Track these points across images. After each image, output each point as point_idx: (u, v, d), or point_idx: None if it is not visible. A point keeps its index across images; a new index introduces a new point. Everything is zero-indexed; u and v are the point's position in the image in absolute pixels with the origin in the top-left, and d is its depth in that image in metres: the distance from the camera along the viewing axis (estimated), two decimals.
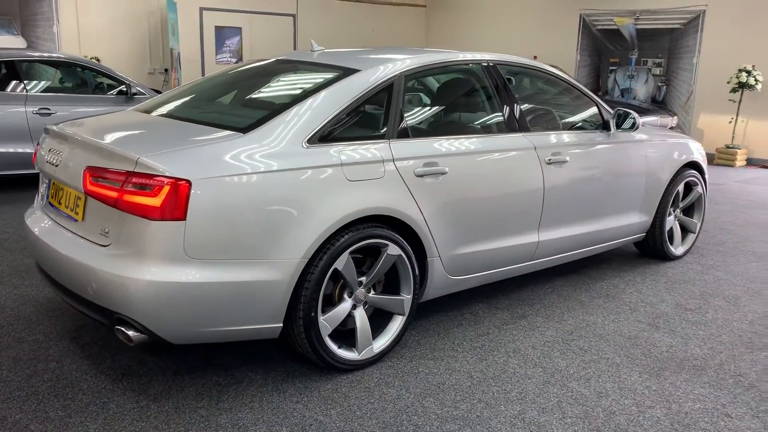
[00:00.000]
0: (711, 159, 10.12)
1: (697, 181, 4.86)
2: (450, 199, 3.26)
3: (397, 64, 3.29)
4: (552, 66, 10.63)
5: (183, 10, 10.39)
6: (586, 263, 4.71)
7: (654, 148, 4.49)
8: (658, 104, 10.86)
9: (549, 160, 3.71)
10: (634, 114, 4.18)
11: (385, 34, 13.50)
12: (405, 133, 3.19)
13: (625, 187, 4.27)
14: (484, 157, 3.44)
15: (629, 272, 4.58)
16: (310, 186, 2.77)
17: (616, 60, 11.51)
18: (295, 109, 2.92)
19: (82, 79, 7.30)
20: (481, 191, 3.40)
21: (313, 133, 2.87)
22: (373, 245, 3.00)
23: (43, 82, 6.89)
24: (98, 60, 9.49)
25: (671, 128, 9.42)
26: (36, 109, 6.53)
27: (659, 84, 11.03)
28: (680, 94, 10.80)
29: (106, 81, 7.24)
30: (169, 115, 3.24)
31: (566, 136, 3.93)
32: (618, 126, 4.21)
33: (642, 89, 11.23)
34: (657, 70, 11.04)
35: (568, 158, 3.81)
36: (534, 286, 4.21)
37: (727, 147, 9.96)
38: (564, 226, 3.91)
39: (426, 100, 3.84)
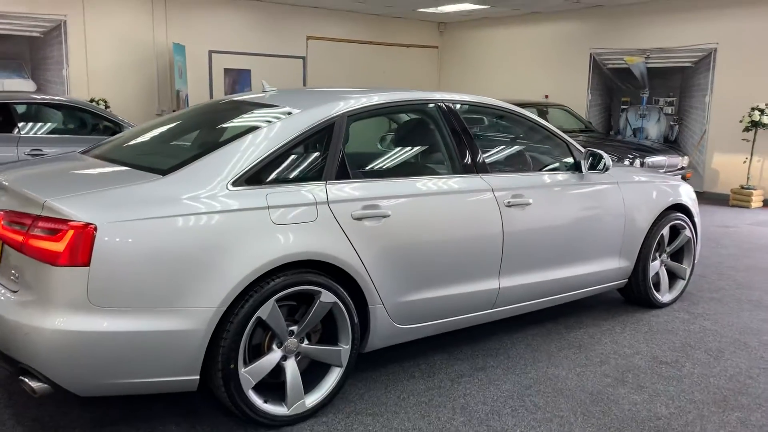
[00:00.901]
0: (726, 200, 9.78)
1: (685, 225, 4.62)
2: (394, 244, 3.11)
3: (340, 104, 3.18)
4: (561, 106, 10.56)
5: (191, 53, 10.56)
6: (565, 310, 4.47)
7: (633, 190, 4.28)
8: (671, 144, 10.58)
9: (509, 202, 3.53)
10: (605, 155, 3.99)
11: (397, 76, 13.54)
12: (345, 175, 3.07)
13: (600, 231, 4.06)
14: (433, 200, 3.29)
15: (609, 320, 4.33)
16: (230, 230, 2.65)
17: (628, 99, 11.31)
18: (221, 151, 2.83)
19: (82, 120, 7.39)
20: (429, 235, 3.24)
21: (239, 175, 2.77)
22: (306, 292, 2.85)
23: (40, 124, 6.99)
24: (106, 102, 9.66)
25: (681, 168, 9.14)
26: (29, 150, 6.60)
27: (671, 123, 10.77)
28: (693, 134, 10.52)
29: (104, 123, 7.32)
30: (103, 157, 3.18)
31: (529, 178, 3.76)
32: (592, 167, 4.03)
33: (654, 128, 10.98)
34: (669, 109, 10.80)
35: (531, 201, 3.64)
36: (503, 335, 4.00)
37: (742, 188, 9.61)
38: (529, 272, 3.71)
39: (379, 139, 3.73)
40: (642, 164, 8.53)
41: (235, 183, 2.75)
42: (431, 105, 3.58)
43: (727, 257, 6.29)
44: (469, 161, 3.52)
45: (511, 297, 3.67)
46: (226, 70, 11.16)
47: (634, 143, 9.74)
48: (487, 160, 3.64)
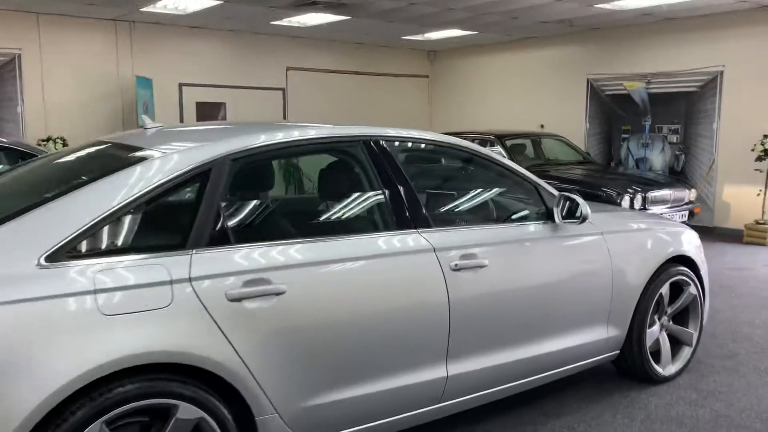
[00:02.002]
0: (740, 237, 8.90)
1: (689, 280, 3.79)
2: (291, 331, 2.32)
3: (221, 145, 2.42)
4: (556, 136, 9.73)
5: (160, 86, 9.92)
6: (549, 389, 3.62)
7: (622, 241, 3.48)
8: (677, 175, 9.76)
9: (456, 265, 2.74)
10: (581, 201, 3.19)
11: (385, 107, 12.85)
12: (222, 239, 2.30)
13: (580, 295, 3.25)
14: (349, 267, 2.50)
15: (599, 403, 3.48)
16: (34, 326, 1.88)
17: (629, 127, 10.52)
18: (35, 214, 2.07)
19: (23, 160, 6.69)
20: (344, 315, 2.45)
21: (56, 246, 2.00)
22: (156, 406, 2.06)
23: None
24: (64, 140, 9.00)
25: (689, 202, 8.29)
26: None
27: (677, 153, 9.96)
28: (701, 164, 9.70)
29: None
30: None
31: (485, 232, 2.97)
32: (569, 215, 3.22)
33: (658, 159, 10.17)
34: (674, 138, 10.00)
35: (487, 261, 2.84)
36: (463, 427, 3.16)
37: (758, 223, 8.74)
38: (487, 352, 2.89)
39: (283, 190, 2.96)
40: (644, 199, 7.71)
41: (51, 257, 1.98)
42: (355, 144, 2.81)
43: (743, 309, 5.42)
44: (406, 214, 2.74)
45: (465, 386, 2.85)
46: (199, 104, 10.51)
47: (636, 175, 8.93)
48: (430, 212, 2.86)
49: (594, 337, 3.35)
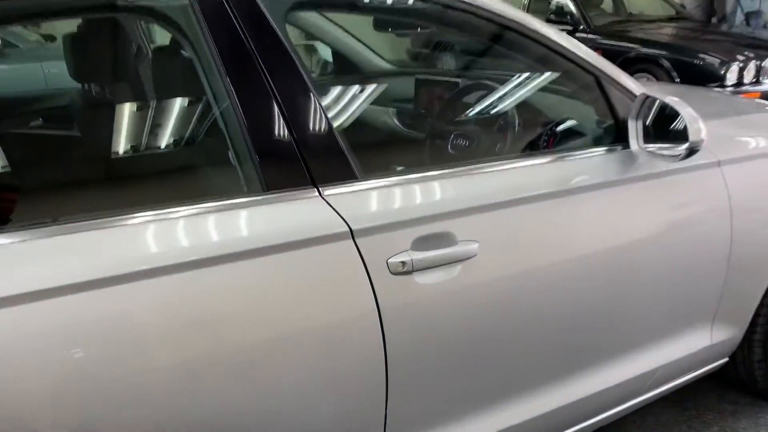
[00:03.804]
0: None
1: None
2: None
3: None
4: None
5: None
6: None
7: (755, 176, 1.89)
8: None
9: (402, 263, 1.28)
10: (685, 110, 1.56)
11: None
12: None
13: (664, 288, 1.74)
14: (146, 287, 1.09)
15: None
16: None
17: None
18: None
19: None
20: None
21: None
22: None
23: None
24: None
25: None
26: None
27: None
28: None
29: None
30: None
31: (470, 185, 1.45)
32: (659, 136, 1.63)
33: None
34: None
35: (475, 247, 1.36)
36: None
37: None
38: (480, 407, 1.49)
39: None
40: (759, 69, 5.75)
41: None
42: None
43: None
44: (297, 164, 1.26)
45: None
46: None
47: (747, 36, 6.80)
48: (353, 149, 1.35)
49: (687, 349, 1.87)
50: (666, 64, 5.79)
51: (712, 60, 5.73)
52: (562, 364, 1.60)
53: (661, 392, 1.92)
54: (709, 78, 5.55)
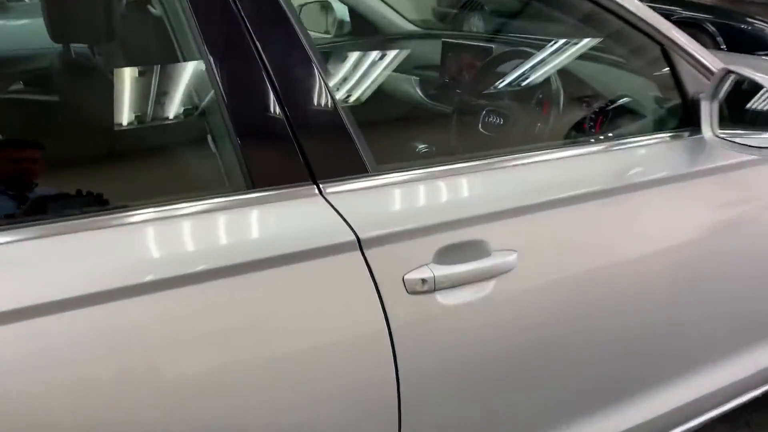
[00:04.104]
0: None
1: None
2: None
3: None
4: None
5: None
6: None
7: None
8: None
9: (423, 281, 1.02)
10: None
11: None
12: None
13: (744, 291, 1.46)
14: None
15: None
16: None
17: None
18: None
19: None
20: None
21: None
22: None
23: None
24: None
25: None
26: None
27: None
28: None
29: None
30: None
31: (509, 180, 1.17)
32: (736, 118, 1.34)
33: None
34: None
35: (513, 258, 1.09)
36: None
37: None
38: None
39: None
40: None
41: None
42: None
43: None
44: (291, 152, 1.00)
45: None
46: None
47: None
48: (364, 133, 1.07)
49: (755, 366, 1.61)
50: (711, 28, 5.36)
51: (762, 25, 5.30)
52: (613, 389, 1.35)
53: (720, 413, 1.66)
54: (757, 45, 5.13)
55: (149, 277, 0.86)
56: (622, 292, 1.24)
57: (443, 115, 1.77)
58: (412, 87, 1.94)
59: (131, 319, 0.85)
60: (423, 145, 1.39)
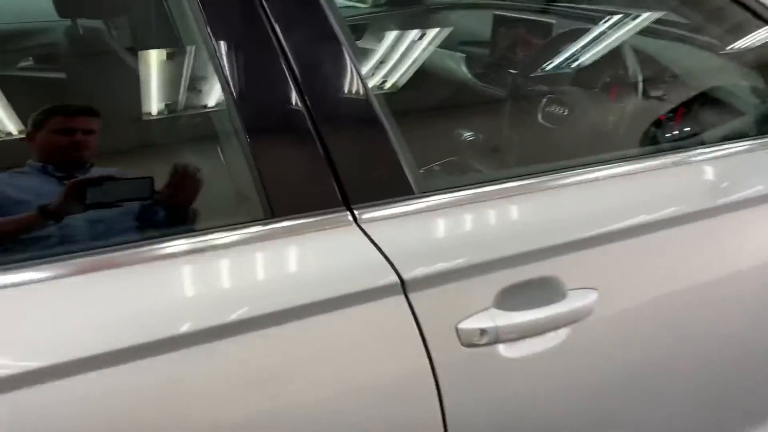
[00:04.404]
0: None
1: None
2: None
3: None
4: None
5: None
6: None
7: None
8: None
9: (485, 330, 0.82)
10: None
11: None
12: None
13: None
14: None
15: None
16: None
17: None
18: None
19: None
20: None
21: None
22: None
23: None
24: None
25: None
26: None
27: None
28: None
29: None
30: None
31: (592, 197, 0.95)
32: None
33: None
34: None
35: (593, 298, 0.88)
36: None
37: None
38: None
39: None
40: None
41: None
42: None
43: None
44: (320, 171, 0.79)
45: None
46: None
47: None
48: (408, 142, 0.86)
49: None
50: None
51: None
52: None
53: None
54: None
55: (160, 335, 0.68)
56: (726, 337, 1.02)
57: (499, 111, 1.53)
58: (460, 69, 1.70)
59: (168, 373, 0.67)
60: (477, 155, 1.17)
